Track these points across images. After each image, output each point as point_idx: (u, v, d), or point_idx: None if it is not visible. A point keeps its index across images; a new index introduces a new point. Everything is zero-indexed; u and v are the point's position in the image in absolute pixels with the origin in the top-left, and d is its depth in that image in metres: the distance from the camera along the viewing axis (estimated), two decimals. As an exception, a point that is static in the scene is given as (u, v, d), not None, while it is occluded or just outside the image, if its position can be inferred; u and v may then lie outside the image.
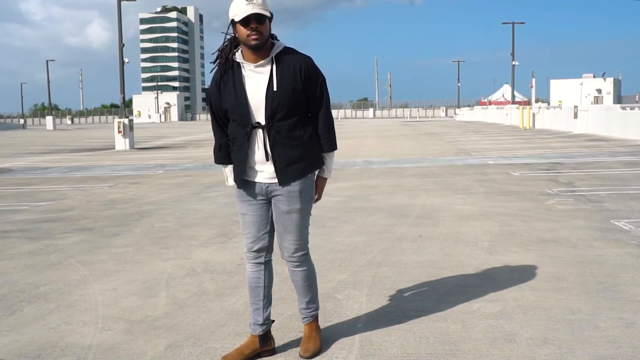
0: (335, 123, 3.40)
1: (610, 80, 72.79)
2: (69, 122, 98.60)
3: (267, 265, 3.42)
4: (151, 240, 6.56)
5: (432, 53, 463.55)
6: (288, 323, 3.88)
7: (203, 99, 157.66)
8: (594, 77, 74.36)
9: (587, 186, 9.73)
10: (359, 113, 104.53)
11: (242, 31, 3.07)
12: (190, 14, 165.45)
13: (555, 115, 32.34)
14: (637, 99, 68.63)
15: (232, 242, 6.33)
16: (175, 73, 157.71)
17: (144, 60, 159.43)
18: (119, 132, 24.54)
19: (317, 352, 3.41)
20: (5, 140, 36.33)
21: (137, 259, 5.71)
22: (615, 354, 3.30)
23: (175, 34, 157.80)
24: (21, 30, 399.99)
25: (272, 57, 3.16)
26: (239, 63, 3.19)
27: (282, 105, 3.14)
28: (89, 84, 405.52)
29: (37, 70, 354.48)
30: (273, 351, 3.46)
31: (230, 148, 3.29)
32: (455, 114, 70.31)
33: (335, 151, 3.40)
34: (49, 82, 69.96)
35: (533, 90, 43.29)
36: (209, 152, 20.07)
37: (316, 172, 3.37)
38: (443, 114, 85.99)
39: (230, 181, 3.39)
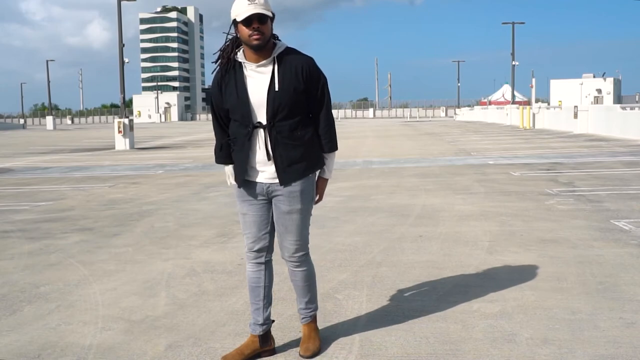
0: (335, 123, 3.40)
1: (610, 80, 72.82)
2: (69, 122, 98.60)
3: (268, 265, 3.42)
4: (151, 240, 6.56)
5: (432, 53, 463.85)
6: (288, 323, 3.88)
7: (203, 99, 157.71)
8: (594, 77, 74.39)
9: (587, 186, 9.73)
10: (359, 113, 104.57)
11: (244, 31, 3.07)
12: (190, 14, 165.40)
13: (555, 115, 32.35)
14: (637, 99, 68.63)
15: (232, 242, 6.33)
16: (175, 73, 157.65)
17: (144, 60, 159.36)
18: (119, 132, 24.54)
19: (317, 352, 3.41)
20: (5, 140, 36.33)
21: (137, 259, 5.71)
22: (615, 354, 3.30)
23: (175, 34, 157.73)
24: (21, 30, 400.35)
25: (274, 57, 3.16)
26: (240, 63, 3.19)
27: (284, 105, 3.14)
28: (89, 84, 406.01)
29: (37, 70, 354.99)
30: (273, 351, 3.46)
31: (232, 148, 3.30)
32: (455, 114, 70.31)
33: (336, 152, 3.41)
34: (49, 82, 70.02)
35: (533, 90, 43.29)
36: (208, 152, 20.15)
37: (317, 173, 3.38)
38: (443, 114, 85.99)
39: (231, 181, 3.39)
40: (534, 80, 43.92)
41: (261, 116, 3.17)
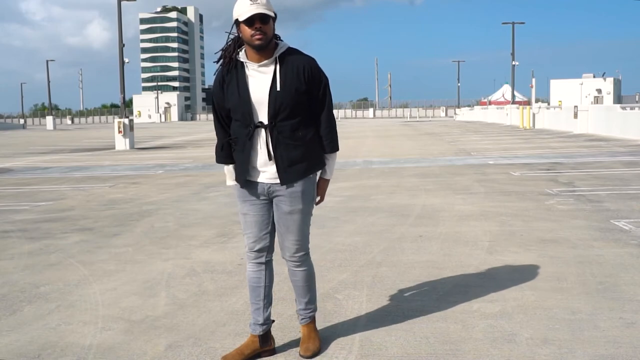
0: (336, 124, 3.40)
1: (610, 80, 72.83)
2: (69, 122, 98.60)
3: (268, 265, 3.42)
4: (151, 240, 6.56)
5: (432, 53, 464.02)
6: (288, 323, 3.88)
7: (203, 99, 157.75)
8: (594, 77, 74.40)
9: (587, 186, 9.73)
10: (359, 113, 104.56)
11: (246, 31, 3.07)
12: (190, 14, 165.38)
13: (555, 115, 32.34)
14: (637, 99, 68.65)
15: (232, 242, 6.34)
16: (175, 73, 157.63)
17: (144, 60, 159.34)
18: (119, 132, 24.54)
19: (317, 352, 3.41)
20: (5, 140, 36.33)
21: (137, 259, 5.71)
22: (615, 354, 3.30)
23: (175, 34, 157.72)
24: (21, 30, 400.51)
25: (276, 57, 3.16)
26: (242, 62, 3.19)
27: (285, 105, 3.14)
28: (89, 84, 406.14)
29: (37, 70, 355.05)
30: (273, 351, 3.46)
31: (233, 148, 3.30)
32: (455, 114, 70.30)
33: (337, 152, 3.41)
34: (49, 82, 70.00)
35: (533, 90, 43.29)
36: (208, 152, 20.17)
37: (318, 173, 3.38)
38: (443, 114, 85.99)
39: (231, 181, 3.39)
40: (534, 80, 43.92)
41: (262, 116, 3.17)
